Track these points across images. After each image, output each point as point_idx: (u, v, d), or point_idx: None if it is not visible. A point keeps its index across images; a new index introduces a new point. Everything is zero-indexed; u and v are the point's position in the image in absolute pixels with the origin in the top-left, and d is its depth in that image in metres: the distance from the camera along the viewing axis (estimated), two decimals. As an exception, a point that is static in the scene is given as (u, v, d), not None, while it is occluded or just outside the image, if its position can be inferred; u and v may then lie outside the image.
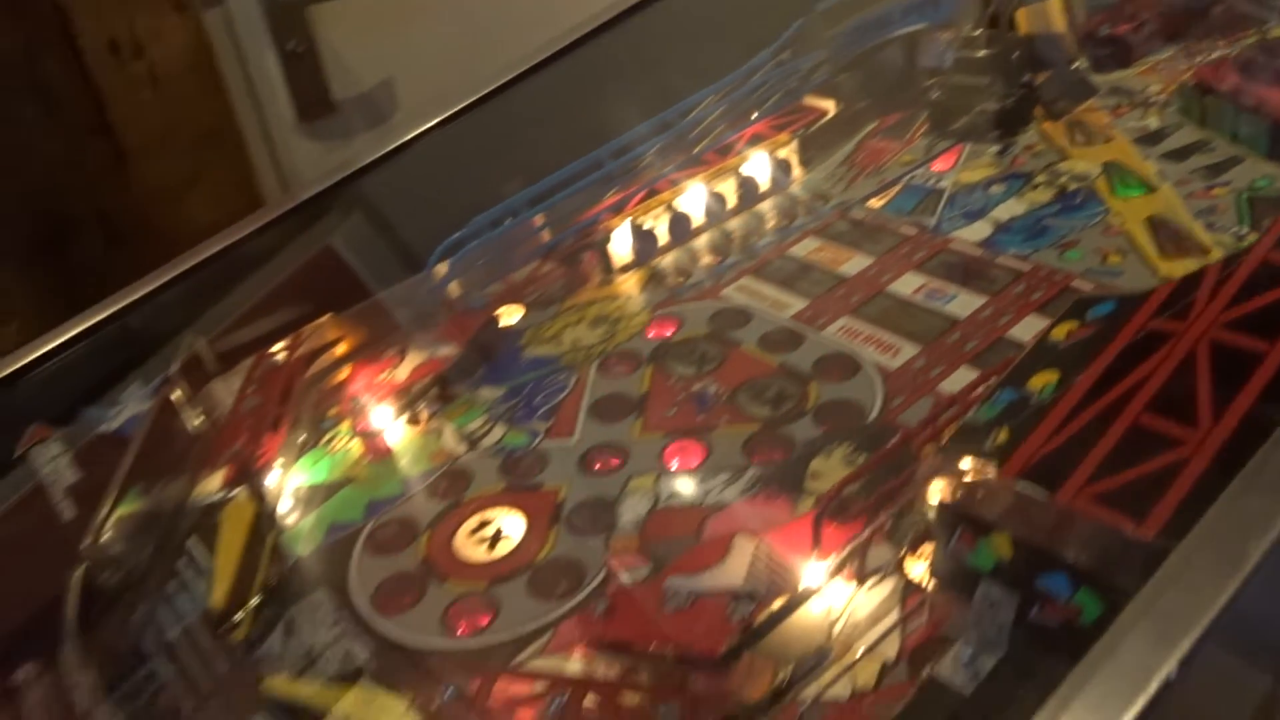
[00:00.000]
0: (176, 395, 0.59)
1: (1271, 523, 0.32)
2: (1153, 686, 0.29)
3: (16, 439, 0.59)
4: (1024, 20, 0.84)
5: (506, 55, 1.13)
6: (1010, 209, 0.71)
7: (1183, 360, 0.38)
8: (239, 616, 0.49)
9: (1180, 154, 0.72)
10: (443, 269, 0.68)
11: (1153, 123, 0.77)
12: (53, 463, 0.56)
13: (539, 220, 0.72)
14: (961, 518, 0.39)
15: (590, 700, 0.41)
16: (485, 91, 0.77)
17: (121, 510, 0.51)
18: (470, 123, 0.76)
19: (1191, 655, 0.29)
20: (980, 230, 0.69)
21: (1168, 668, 0.29)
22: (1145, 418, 0.37)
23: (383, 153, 0.74)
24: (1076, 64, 0.86)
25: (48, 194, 0.95)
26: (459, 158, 0.75)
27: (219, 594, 0.49)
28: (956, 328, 0.60)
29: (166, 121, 0.98)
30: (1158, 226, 0.65)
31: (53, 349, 0.67)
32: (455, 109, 0.76)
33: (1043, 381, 0.40)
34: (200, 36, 0.98)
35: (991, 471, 0.38)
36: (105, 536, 0.50)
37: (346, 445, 0.61)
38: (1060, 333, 0.44)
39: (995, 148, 0.78)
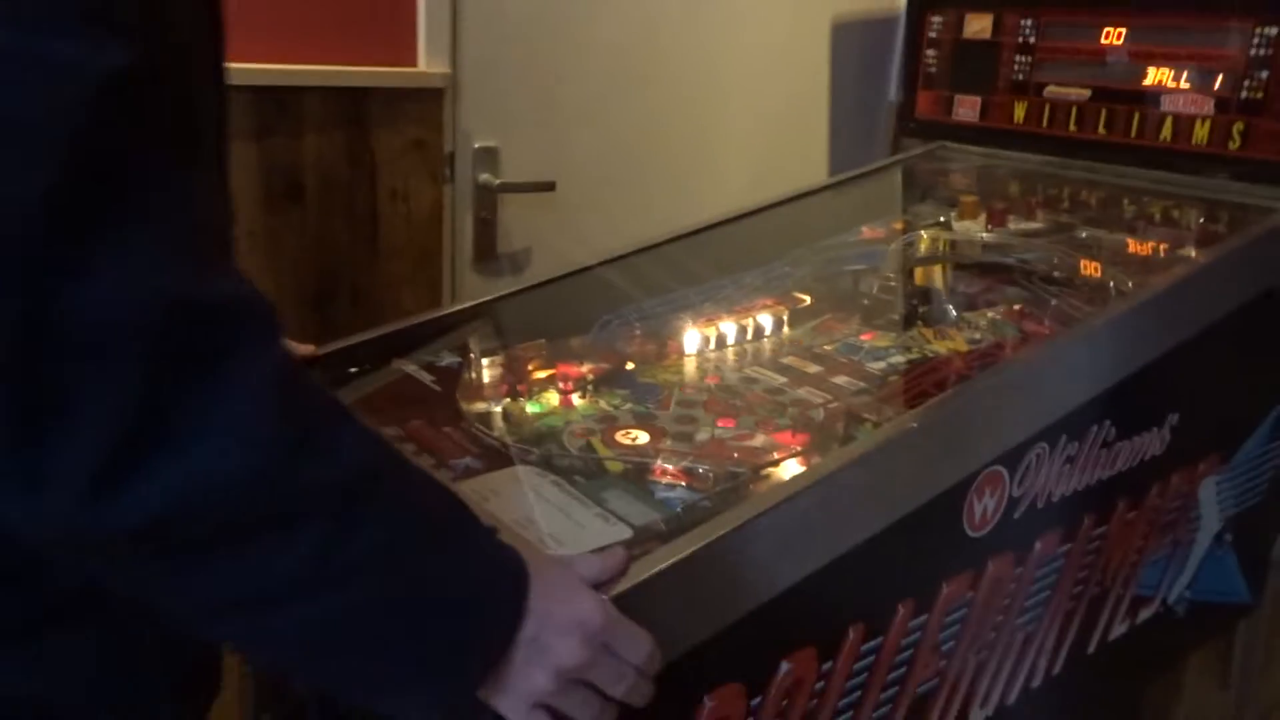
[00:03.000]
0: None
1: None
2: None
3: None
4: (918, 275, 1.52)
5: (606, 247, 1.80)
6: (896, 359, 1.34)
7: (946, 374, 1.01)
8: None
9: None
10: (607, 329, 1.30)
11: (977, 335, 1.42)
12: (419, 371, 1.14)
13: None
14: (850, 419, 0.99)
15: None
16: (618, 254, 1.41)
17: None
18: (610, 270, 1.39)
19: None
20: (880, 365, 1.33)
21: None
22: (925, 388, 0.98)
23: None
24: (942, 303, 1.53)
25: (330, 273, 1.56)
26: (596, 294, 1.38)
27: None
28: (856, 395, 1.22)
29: (407, 241, 1.61)
30: (966, 375, 1.29)
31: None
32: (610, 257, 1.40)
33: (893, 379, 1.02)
34: (439, 197, 1.63)
35: (869, 401, 0.99)
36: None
37: (549, 398, 1.19)
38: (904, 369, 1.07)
39: (894, 334, 1.43)
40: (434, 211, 1.62)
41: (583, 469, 0.95)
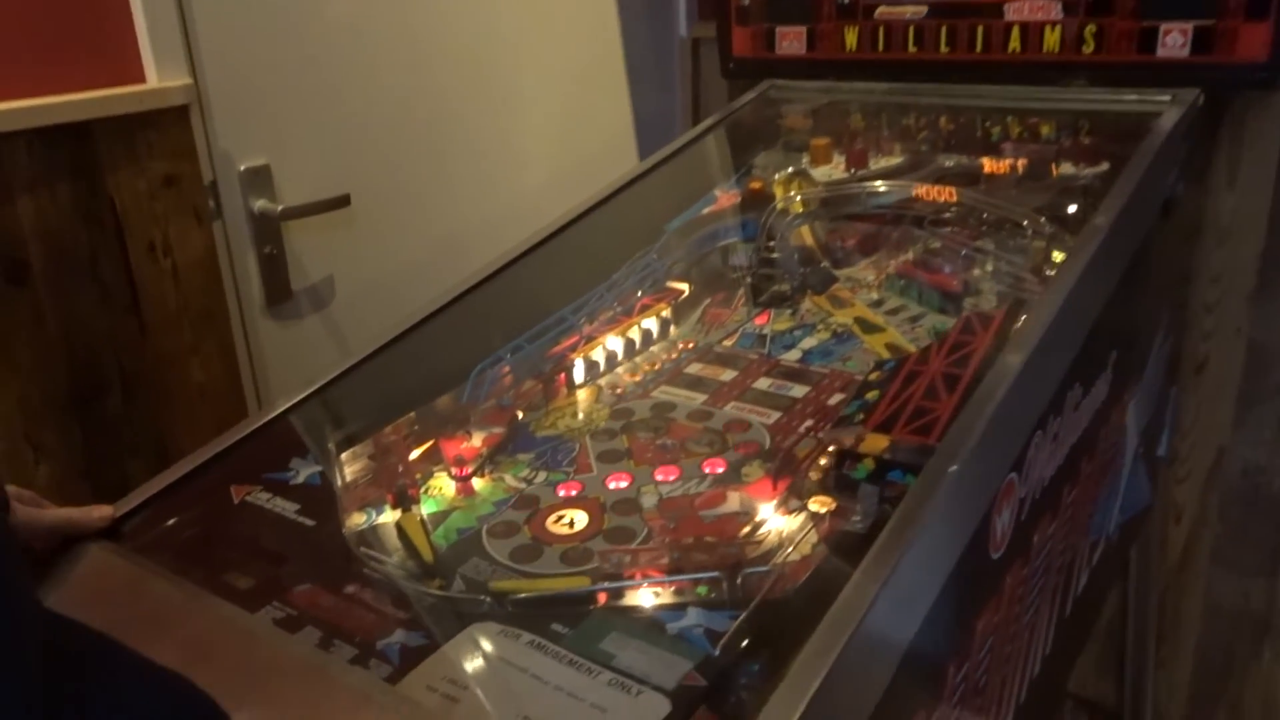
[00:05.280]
0: (343, 459, 0.91)
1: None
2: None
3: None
4: (794, 238, 1.36)
5: (419, 262, 1.53)
6: (808, 343, 1.19)
7: (930, 380, 0.85)
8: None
9: (894, 311, 1.24)
10: (481, 380, 1.05)
11: (875, 295, 1.29)
12: (273, 500, 0.86)
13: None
14: (846, 456, 0.82)
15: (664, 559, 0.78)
16: (478, 280, 1.16)
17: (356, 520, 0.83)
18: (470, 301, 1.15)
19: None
20: (794, 354, 1.16)
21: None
22: (920, 402, 0.82)
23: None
24: (823, 264, 1.38)
25: (89, 361, 1.21)
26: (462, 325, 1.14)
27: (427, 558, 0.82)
28: (798, 403, 1.05)
29: (180, 304, 1.28)
30: (890, 348, 1.16)
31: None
32: (456, 294, 1.15)
33: (872, 393, 0.85)
34: (208, 240, 1.30)
35: (859, 430, 0.82)
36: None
37: (443, 489, 0.95)
38: (873, 376, 0.90)
39: (789, 310, 1.27)
40: (206, 259, 1.29)
41: (551, 605, 0.73)
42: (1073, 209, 1.20)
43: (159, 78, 1.22)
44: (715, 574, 0.71)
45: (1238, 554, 1.60)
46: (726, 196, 1.42)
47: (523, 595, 0.74)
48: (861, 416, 0.82)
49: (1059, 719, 1.73)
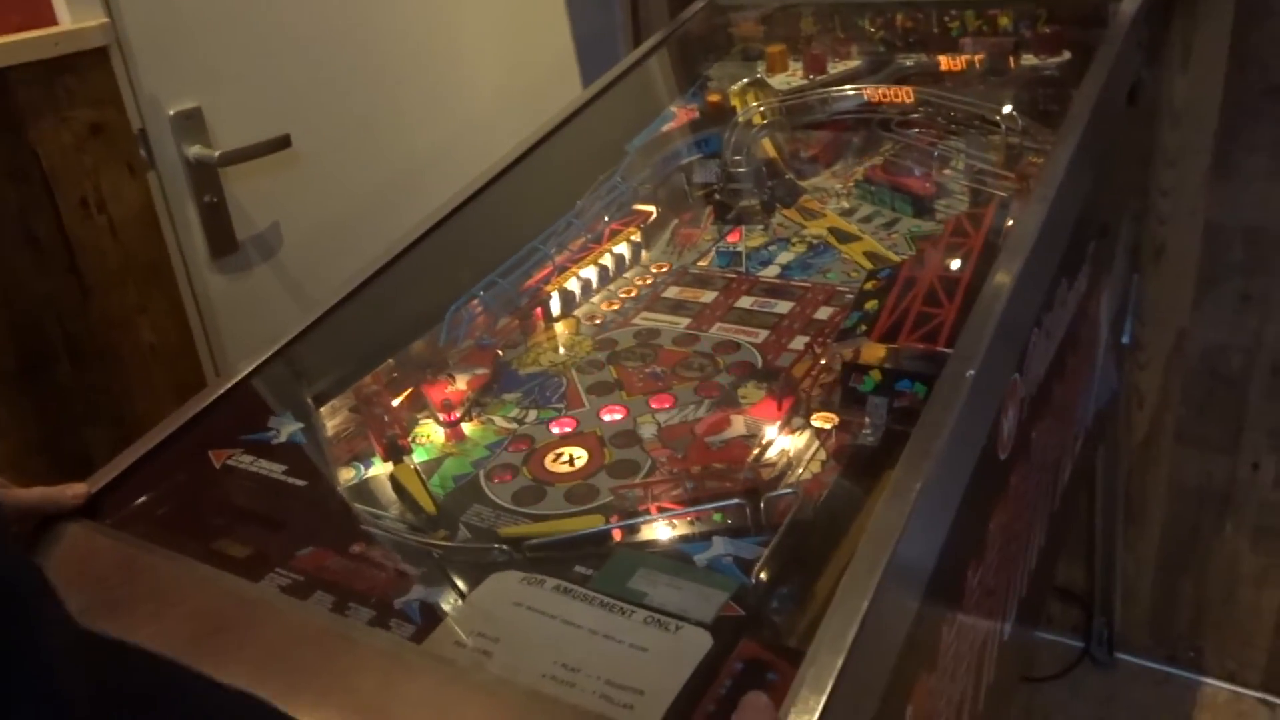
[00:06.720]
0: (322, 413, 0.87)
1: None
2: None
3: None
4: (756, 150, 1.33)
5: (369, 200, 1.46)
6: (785, 258, 1.16)
7: (929, 286, 0.83)
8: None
9: (866, 219, 1.22)
10: (458, 320, 1.01)
11: (845, 204, 1.26)
12: (257, 463, 0.82)
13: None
14: (851, 369, 0.80)
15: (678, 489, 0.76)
16: (440, 218, 1.11)
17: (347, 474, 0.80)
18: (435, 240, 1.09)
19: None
20: (773, 270, 1.14)
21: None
22: (922, 307, 0.81)
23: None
24: (788, 175, 1.35)
25: (31, 328, 1.14)
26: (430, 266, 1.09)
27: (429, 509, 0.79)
28: (784, 319, 1.03)
29: (121, 262, 1.21)
30: (870, 256, 1.14)
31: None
32: (420, 233, 1.09)
33: (871, 303, 0.83)
34: (144, 191, 1.22)
35: (860, 342, 0.80)
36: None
37: (432, 436, 0.91)
38: (869, 285, 0.88)
39: (761, 225, 1.24)
40: (143, 212, 1.21)
41: (569, 547, 0.71)
42: (1041, 100, 1.19)
43: (72, 17, 1.12)
44: (736, 500, 0.69)
45: (1200, 433, 1.64)
46: (685, 112, 1.38)
47: (537, 540, 0.72)
48: (864, 328, 0.80)
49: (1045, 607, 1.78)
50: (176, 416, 0.87)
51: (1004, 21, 1.33)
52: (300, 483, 0.80)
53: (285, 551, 0.72)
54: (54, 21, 1.13)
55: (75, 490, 0.77)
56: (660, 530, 0.71)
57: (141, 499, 0.80)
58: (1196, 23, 1.41)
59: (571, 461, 0.85)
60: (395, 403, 0.94)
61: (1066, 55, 1.27)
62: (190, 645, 0.60)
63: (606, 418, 0.90)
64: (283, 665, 0.59)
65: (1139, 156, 1.47)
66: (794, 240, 1.19)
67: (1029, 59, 1.29)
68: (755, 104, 1.32)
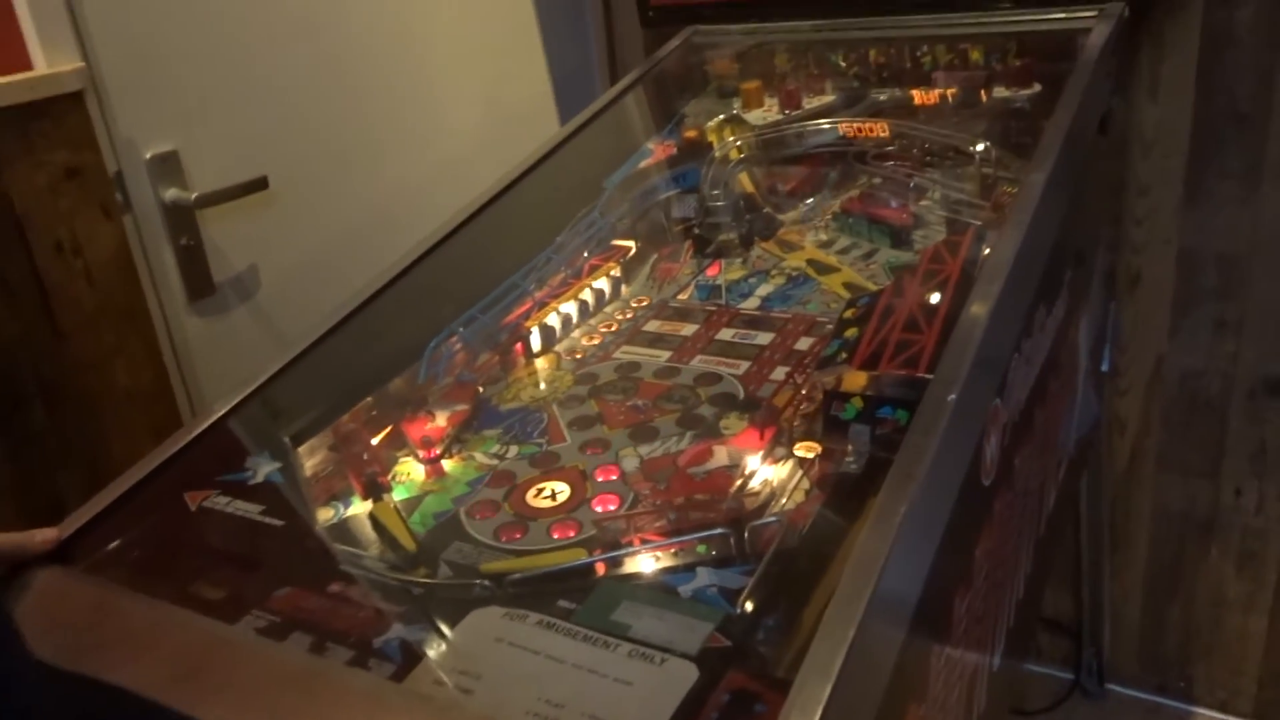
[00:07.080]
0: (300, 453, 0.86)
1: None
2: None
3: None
4: (733, 185, 1.33)
5: (348, 241, 1.46)
6: (764, 290, 1.16)
7: (909, 313, 0.83)
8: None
9: (845, 250, 1.22)
10: (437, 357, 1.00)
11: (823, 236, 1.27)
12: (233, 503, 0.81)
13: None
14: (832, 397, 0.80)
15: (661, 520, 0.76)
16: (419, 254, 1.10)
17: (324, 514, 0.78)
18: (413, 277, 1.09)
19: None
20: (753, 302, 1.14)
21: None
22: (901, 334, 0.81)
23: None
24: (765, 209, 1.36)
25: (3, 372, 1.12)
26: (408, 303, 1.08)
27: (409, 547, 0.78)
28: (765, 350, 1.03)
29: (97, 305, 1.20)
30: (849, 286, 1.14)
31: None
32: (398, 270, 1.09)
33: (851, 331, 0.83)
34: (119, 234, 1.22)
35: (843, 370, 0.80)
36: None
37: (412, 474, 0.90)
38: (849, 314, 0.88)
39: (740, 258, 1.24)
40: (119, 255, 1.21)
41: (550, 581, 0.70)
42: (1013, 132, 1.20)
43: (48, 61, 1.12)
44: (719, 530, 0.69)
45: (1181, 458, 1.65)
46: (662, 148, 1.38)
47: (519, 574, 0.71)
48: (844, 355, 0.80)
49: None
50: (151, 458, 0.85)
51: (975, 55, 1.34)
52: (277, 523, 0.78)
53: (262, 592, 0.70)
54: (29, 66, 1.13)
55: (44, 535, 0.76)
56: (644, 562, 0.70)
57: (115, 543, 0.78)
58: (1164, 53, 1.43)
59: (553, 496, 0.84)
60: (374, 441, 0.93)
61: (1037, 87, 1.28)
62: (167, 687, 0.58)
63: (589, 452, 0.90)
64: (261, 706, 0.57)
65: (1111, 186, 1.49)
66: (773, 272, 1.19)
67: (1001, 91, 1.31)
68: (732, 139, 1.33)
